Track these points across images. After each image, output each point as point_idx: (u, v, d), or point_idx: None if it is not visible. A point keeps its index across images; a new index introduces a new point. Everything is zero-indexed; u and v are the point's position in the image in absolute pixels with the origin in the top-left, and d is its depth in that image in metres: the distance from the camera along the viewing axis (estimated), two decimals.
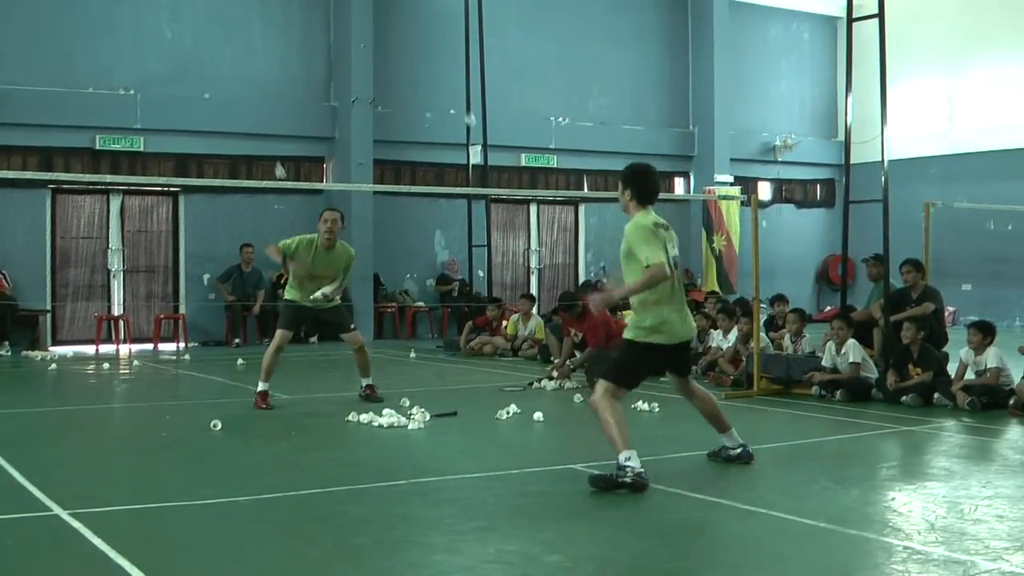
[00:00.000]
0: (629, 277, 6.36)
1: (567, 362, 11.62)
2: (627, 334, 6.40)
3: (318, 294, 9.46)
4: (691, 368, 6.89)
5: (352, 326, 10.04)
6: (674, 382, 6.75)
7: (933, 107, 21.60)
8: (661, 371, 6.73)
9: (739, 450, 6.82)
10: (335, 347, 15.58)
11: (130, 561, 4.55)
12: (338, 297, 9.82)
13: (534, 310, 15.54)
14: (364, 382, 9.92)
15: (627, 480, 5.97)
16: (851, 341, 10.31)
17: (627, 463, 6.02)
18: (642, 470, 6.03)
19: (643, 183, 6.43)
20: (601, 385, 6.36)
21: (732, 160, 21.60)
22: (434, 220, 18.92)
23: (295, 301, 9.70)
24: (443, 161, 18.68)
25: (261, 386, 9.44)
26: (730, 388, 11.01)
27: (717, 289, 19.54)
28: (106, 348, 15.79)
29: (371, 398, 9.72)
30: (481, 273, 18.19)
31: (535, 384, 11.13)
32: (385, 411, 8.63)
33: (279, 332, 9.71)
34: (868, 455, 7.67)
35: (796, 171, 23.00)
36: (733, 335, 11.90)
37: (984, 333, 9.57)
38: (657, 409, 9.36)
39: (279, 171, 17.49)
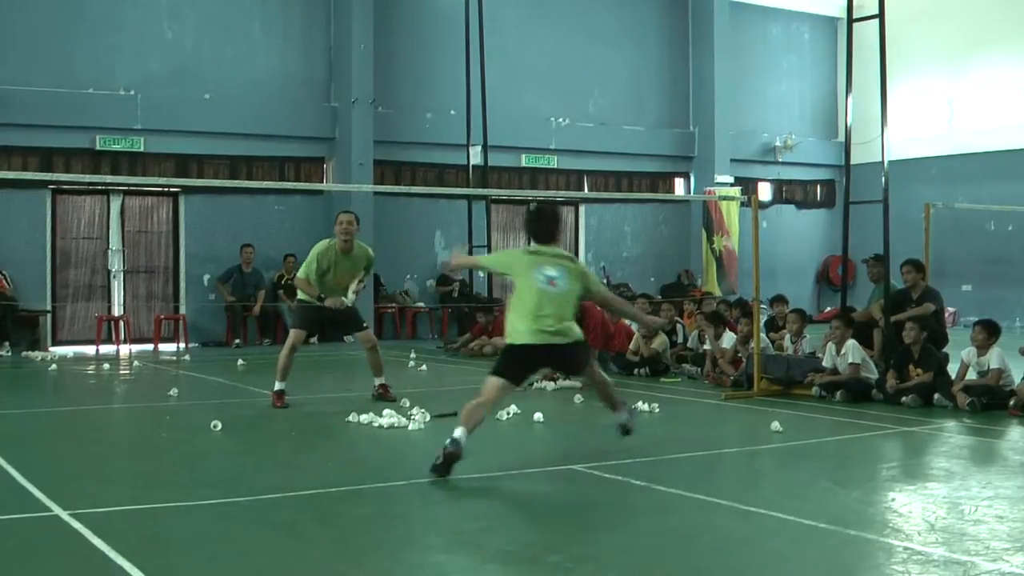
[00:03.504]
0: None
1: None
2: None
3: (350, 295, 9.50)
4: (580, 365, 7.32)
5: (365, 324, 10.06)
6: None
7: (933, 108, 21.60)
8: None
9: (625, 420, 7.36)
10: (335, 347, 15.60)
11: (130, 562, 4.55)
12: (353, 296, 9.84)
13: None
14: (377, 381, 9.92)
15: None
16: (851, 342, 10.30)
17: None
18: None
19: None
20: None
21: (732, 161, 21.59)
22: (434, 221, 18.91)
23: (309, 301, 9.70)
24: (443, 162, 18.68)
25: (277, 385, 9.49)
26: (730, 389, 11.01)
27: (717, 290, 19.56)
28: (106, 349, 15.79)
29: (384, 397, 9.71)
30: (481, 274, 18.19)
31: (535, 385, 11.13)
32: (385, 412, 8.64)
33: (293, 332, 9.74)
34: (868, 456, 7.68)
35: (796, 172, 23.00)
36: (730, 338, 11.90)
37: (989, 332, 9.56)
38: (657, 410, 9.36)
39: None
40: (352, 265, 9.69)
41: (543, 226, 7.24)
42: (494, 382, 6.77)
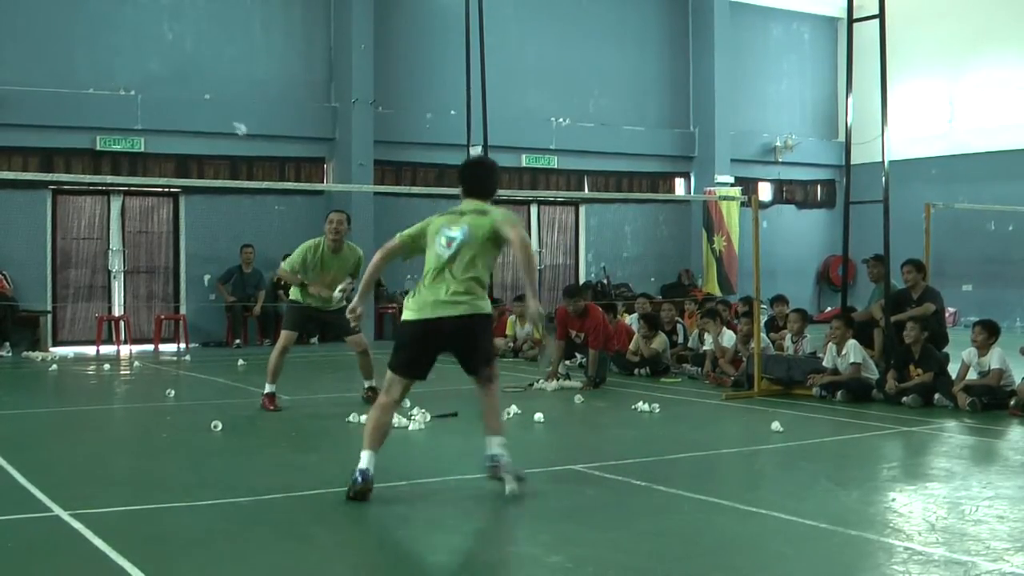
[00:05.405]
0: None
1: (559, 366, 11.65)
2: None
3: (337, 293, 9.37)
4: (479, 362, 6.29)
5: (357, 328, 10.02)
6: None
7: (934, 108, 21.59)
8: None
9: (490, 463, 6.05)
10: (336, 348, 15.56)
11: (130, 562, 4.55)
12: (340, 295, 9.79)
13: None
14: (367, 384, 9.90)
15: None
16: (852, 342, 10.30)
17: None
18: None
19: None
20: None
21: (733, 161, 21.59)
22: None
23: (299, 302, 9.67)
24: (444, 162, 18.64)
25: (268, 388, 9.43)
26: (731, 389, 11.01)
27: (717, 291, 19.55)
28: (107, 349, 15.79)
29: (373, 400, 9.68)
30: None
31: (536, 385, 11.13)
32: None
33: (284, 333, 9.70)
34: (869, 456, 7.67)
35: (797, 172, 23.00)
36: (730, 337, 11.90)
37: (989, 332, 9.56)
38: (657, 410, 9.36)
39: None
40: (341, 265, 9.62)
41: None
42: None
